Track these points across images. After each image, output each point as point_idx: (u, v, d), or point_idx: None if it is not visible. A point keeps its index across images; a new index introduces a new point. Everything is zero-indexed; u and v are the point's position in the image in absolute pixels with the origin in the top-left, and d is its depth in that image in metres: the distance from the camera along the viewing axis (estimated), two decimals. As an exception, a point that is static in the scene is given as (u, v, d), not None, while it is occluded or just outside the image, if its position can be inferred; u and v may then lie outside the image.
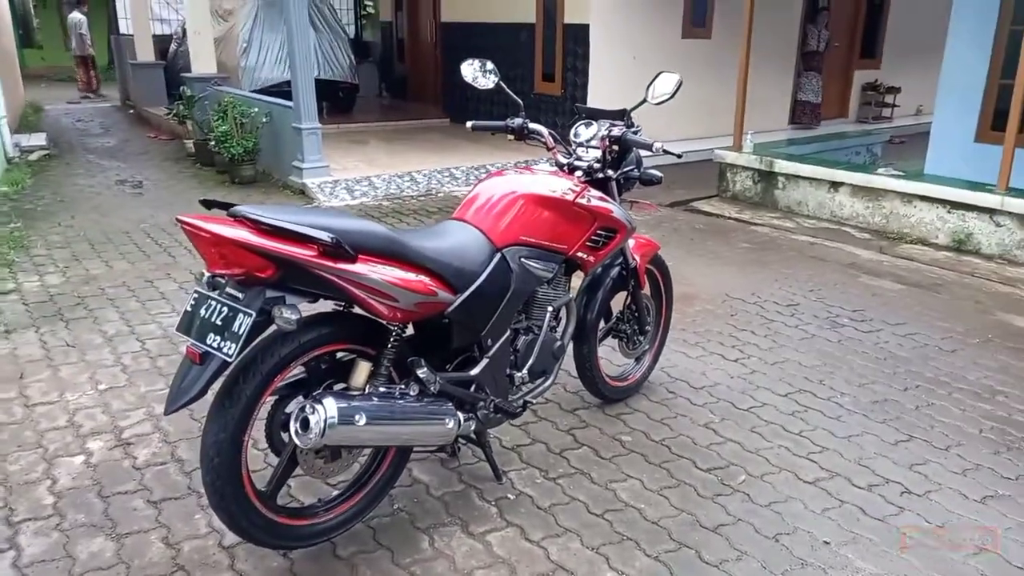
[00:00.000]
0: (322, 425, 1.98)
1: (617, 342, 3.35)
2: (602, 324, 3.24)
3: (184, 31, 11.03)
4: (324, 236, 1.93)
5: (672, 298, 3.56)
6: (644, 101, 2.95)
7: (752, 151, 7.41)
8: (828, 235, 6.34)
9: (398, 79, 13.53)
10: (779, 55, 11.01)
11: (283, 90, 8.83)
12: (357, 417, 2.05)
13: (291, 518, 2.25)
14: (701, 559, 2.41)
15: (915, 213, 6.20)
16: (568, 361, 3.16)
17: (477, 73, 2.95)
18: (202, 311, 1.98)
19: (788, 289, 4.98)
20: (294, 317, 1.91)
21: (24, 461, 2.85)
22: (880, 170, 6.67)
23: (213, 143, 7.87)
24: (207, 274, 2.00)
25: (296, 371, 2.16)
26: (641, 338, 3.37)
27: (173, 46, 12.92)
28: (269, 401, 2.14)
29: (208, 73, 9.69)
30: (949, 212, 5.98)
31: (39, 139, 9.76)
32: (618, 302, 3.31)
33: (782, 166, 7.10)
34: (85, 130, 11.83)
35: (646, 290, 3.42)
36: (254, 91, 9.69)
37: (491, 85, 2.95)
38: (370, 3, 16.31)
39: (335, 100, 11.47)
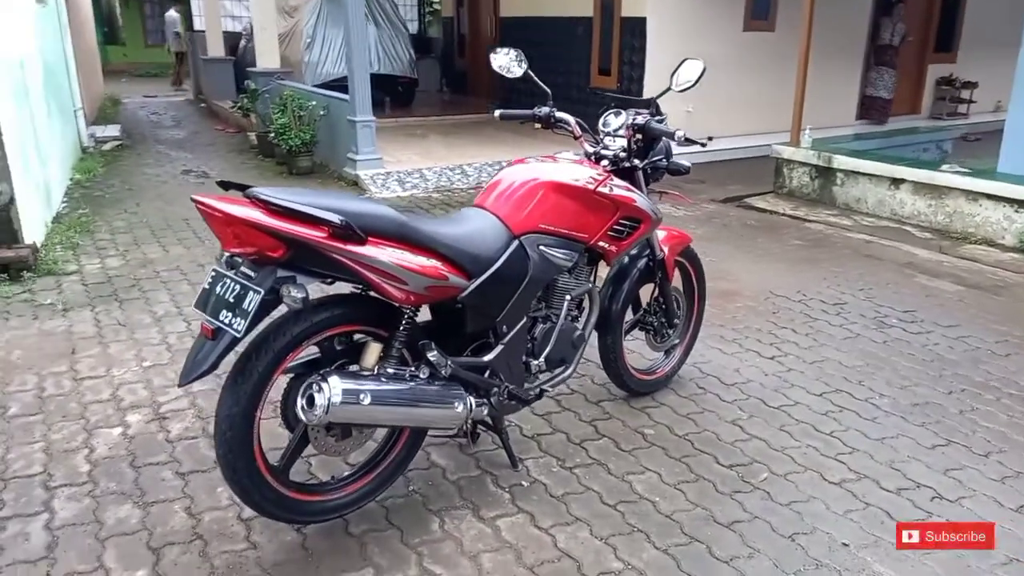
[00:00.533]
0: (326, 402, 2.03)
1: (644, 335, 3.32)
2: (630, 316, 3.22)
3: (253, 28, 11.37)
4: (334, 218, 1.98)
5: (705, 292, 3.50)
6: (668, 89, 2.90)
7: (810, 146, 7.20)
8: (886, 234, 6.12)
9: (458, 74, 13.65)
10: (846, 48, 10.67)
11: (344, 84, 8.99)
12: (362, 396, 2.09)
13: (303, 493, 2.31)
14: (711, 554, 2.37)
15: (980, 212, 5.93)
16: (594, 352, 3.16)
17: (507, 62, 2.96)
18: (217, 288, 2.05)
19: (836, 288, 4.83)
20: (300, 295, 1.96)
21: (67, 430, 3.00)
22: (944, 167, 6.40)
23: (272, 135, 8.09)
24: (226, 254, 2.07)
25: (311, 351, 2.22)
26: (670, 331, 3.32)
27: (243, 42, 13.34)
28: (285, 379, 2.20)
29: (272, 68, 9.97)
30: (1017, 211, 5.69)
31: (114, 130, 10.21)
32: (647, 294, 3.28)
33: (841, 162, 6.88)
34: (158, 122, 12.33)
35: (677, 283, 3.38)
36: (317, 85, 9.92)
37: (520, 73, 2.96)
38: (435, 1, 16.51)
39: (394, 94, 11.66)
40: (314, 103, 8.02)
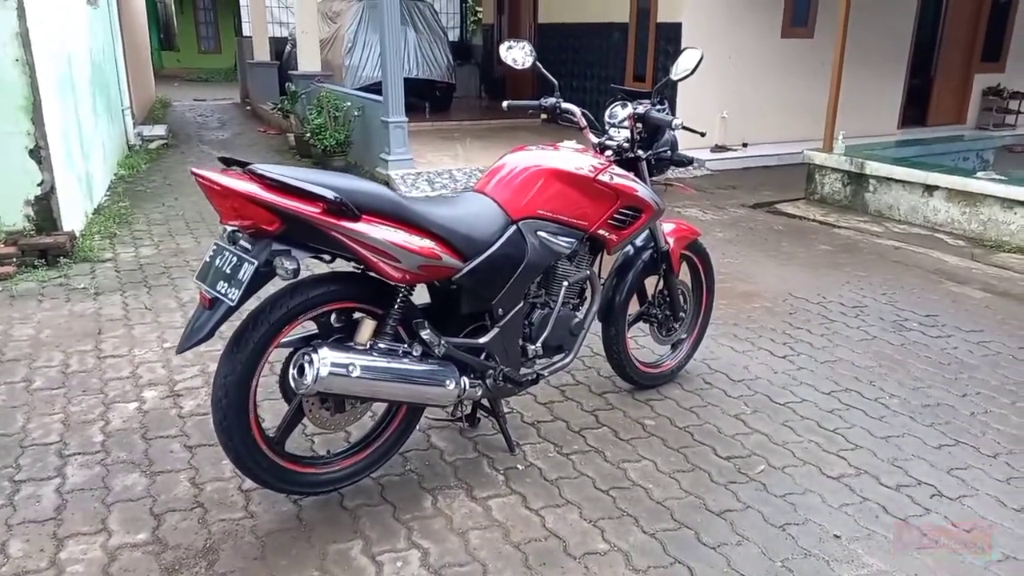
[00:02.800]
0: (315, 372, 2.10)
1: (648, 327, 3.33)
2: (635, 308, 3.24)
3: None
4: (328, 194, 2.05)
5: (713, 287, 3.49)
6: (668, 79, 2.91)
7: (843, 152, 7.10)
8: (917, 240, 6.00)
9: (497, 80, 13.76)
10: (889, 55, 10.50)
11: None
12: (351, 368, 2.15)
13: (297, 465, 2.38)
14: (699, 540, 2.37)
15: (1016, 220, 5.78)
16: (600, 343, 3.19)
17: (517, 54, 3.00)
18: (217, 261, 2.14)
19: (858, 292, 4.76)
20: (291, 267, 2.03)
21: (85, 404, 3.12)
22: (979, 174, 6.25)
23: (309, 135, 8.28)
24: (227, 229, 2.16)
25: (308, 326, 2.30)
26: (675, 325, 3.33)
27: (288, 47, 13.65)
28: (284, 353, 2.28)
29: (313, 71, 10.20)
30: (1054, 220, 5.54)
31: (160, 130, 10.54)
32: (653, 287, 3.29)
33: (873, 168, 6.78)
34: (204, 124, 12.69)
35: (686, 278, 3.39)
36: (357, 88, 10.11)
37: (528, 65, 3.00)
38: (479, 8, 16.69)
39: (432, 99, 11.81)
40: (349, 104, 8.19)
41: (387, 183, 7.60)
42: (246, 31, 16.88)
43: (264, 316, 2.16)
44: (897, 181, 6.61)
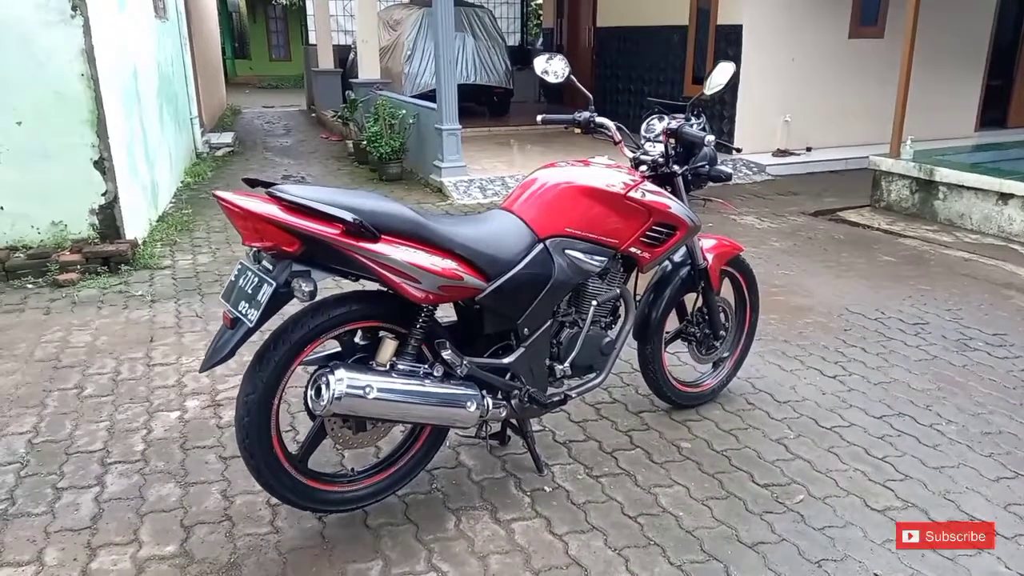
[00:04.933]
0: (331, 393, 2.10)
1: (687, 346, 3.23)
2: (673, 326, 3.15)
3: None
4: (347, 216, 2.05)
5: (757, 304, 3.37)
6: (702, 94, 2.81)
7: (911, 157, 6.80)
8: (989, 252, 5.69)
9: (556, 85, 13.70)
10: (965, 55, 10.02)
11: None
12: (367, 390, 2.14)
13: (320, 483, 2.39)
14: (728, 574, 2.28)
15: (1100, 231, 5.42)
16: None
17: (550, 66, 2.96)
18: (240, 281, 2.16)
19: (921, 307, 4.53)
20: (308, 288, 2.04)
21: (131, 412, 3.22)
22: (1060, 181, 5.89)
23: (365, 142, 8.40)
24: (252, 250, 2.18)
25: (332, 344, 2.31)
26: (716, 343, 3.22)
27: (351, 55, 13.90)
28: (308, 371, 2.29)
29: (372, 79, 10.35)
30: None
31: (227, 138, 10.87)
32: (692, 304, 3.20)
33: (943, 174, 6.46)
34: (270, 131, 13.04)
35: (729, 295, 3.28)
36: (416, 95, 10.21)
37: (563, 78, 2.95)
38: (540, 13, 16.68)
39: (490, 104, 11.85)
40: (404, 112, 8.27)
41: (440, 190, 7.64)
42: (312, 39, 17.28)
43: (286, 335, 2.18)
44: (969, 188, 6.29)
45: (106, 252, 5.08)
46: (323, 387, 2.13)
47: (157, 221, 6.32)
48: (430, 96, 9.75)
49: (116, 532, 2.45)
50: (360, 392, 2.13)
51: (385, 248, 2.12)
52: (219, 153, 10.12)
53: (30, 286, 4.80)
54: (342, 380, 2.12)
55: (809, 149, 9.28)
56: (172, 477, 2.76)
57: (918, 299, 4.67)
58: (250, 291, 2.10)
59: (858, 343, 4.00)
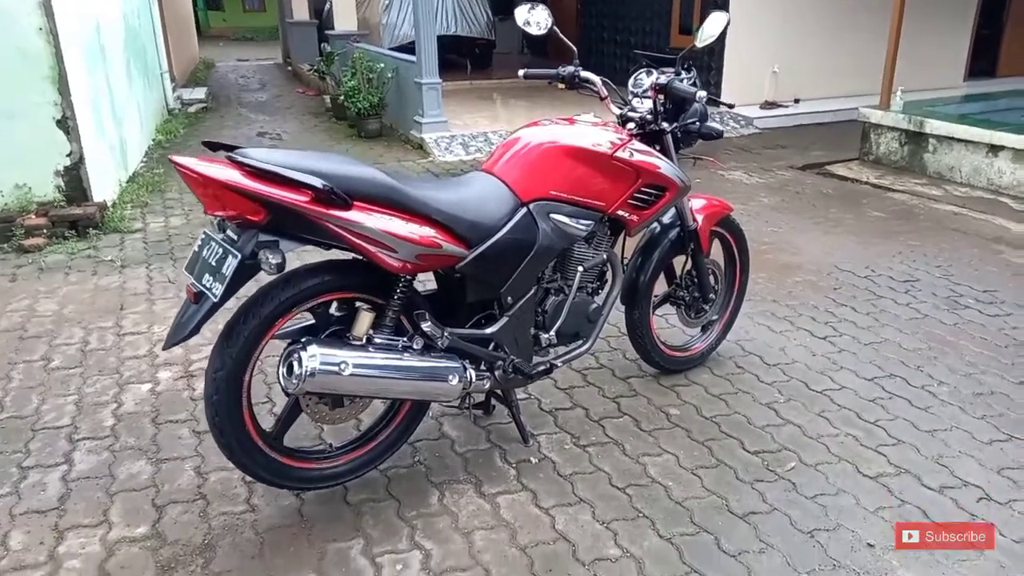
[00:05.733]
0: (303, 371, 1.98)
1: (676, 309, 3.14)
2: (661, 289, 3.05)
3: (332, -11, 11.45)
4: (316, 182, 1.91)
5: (747, 265, 3.27)
6: (693, 46, 2.67)
7: (901, 109, 6.67)
8: (979, 205, 5.62)
9: (540, 36, 13.36)
10: (954, 3, 9.82)
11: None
12: (342, 366, 2.03)
13: (297, 460, 2.29)
14: (719, 546, 2.22)
15: (1090, 183, 5.35)
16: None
17: (533, 17, 2.79)
18: (204, 252, 2.03)
19: (911, 263, 4.46)
20: (275, 261, 1.91)
21: (100, 384, 3.10)
22: (1051, 132, 5.80)
23: (342, 98, 8.14)
24: (216, 218, 2.04)
25: (305, 316, 2.19)
26: (705, 306, 3.13)
27: (327, 5, 13.47)
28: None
29: (348, 30, 10.05)
30: None
31: (200, 93, 10.54)
32: (680, 266, 3.09)
33: (933, 126, 6.35)
34: (244, 85, 12.68)
35: (718, 256, 3.18)
36: (393, 48, 9.91)
37: (546, 29, 2.79)
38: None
39: (471, 56, 11.54)
40: (383, 65, 8.01)
41: (420, 146, 7.45)
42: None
43: (255, 309, 2.05)
44: (959, 140, 6.19)
45: (73, 215, 4.89)
46: (295, 364, 2.02)
47: (127, 182, 6.11)
48: (409, 48, 9.46)
49: (85, 513, 2.35)
50: (335, 369, 2.02)
51: (358, 216, 1.99)
52: (192, 109, 9.82)
53: (-6, 252, 4.62)
54: (315, 356, 2.01)
55: (797, 101, 9.12)
56: (143, 453, 2.65)
57: (908, 255, 4.60)
58: (214, 263, 1.97)
59: (848, 302, 3.93)
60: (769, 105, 8.90)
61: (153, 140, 7.81)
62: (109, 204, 5.29)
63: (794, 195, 5.96)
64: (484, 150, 7.33)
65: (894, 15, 6.64)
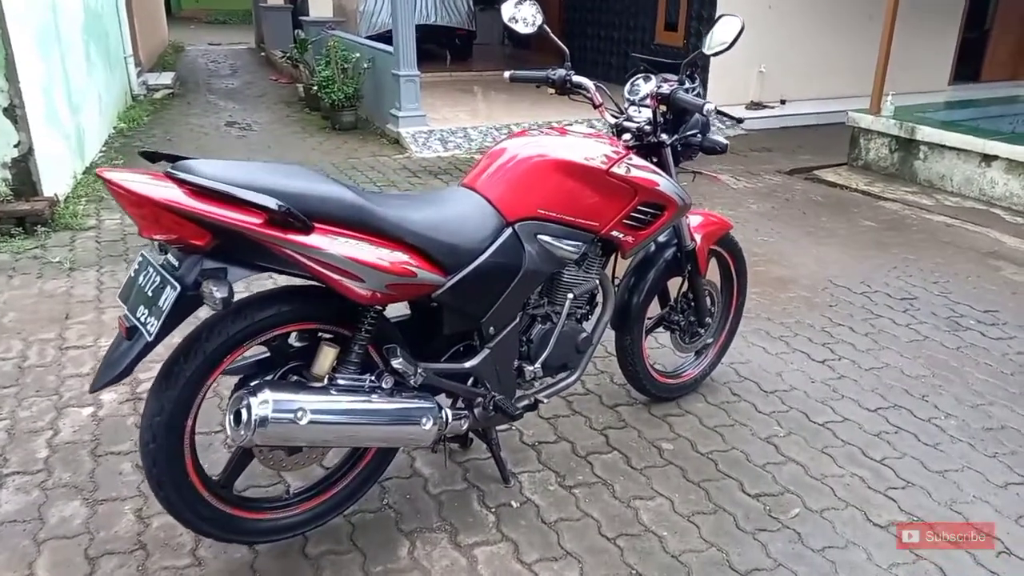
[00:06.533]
0: (252, 423, 1.72)
1: (669, 334, 2.91)
2: (654, 312, 2.82)
3: (308, -26, 11.05)
4: (270, 202, 1.64)
5: (745, 286, 3.05)
6: (700, 52, 2.43)
7: (891, 115, 6.50)
8: (971, 216, 5.46)
9: (526, 35, 13.05)
10: (940, 5, 9.69)
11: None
12: (299, 414, 1.77)
13: (248, 511, 2.03)
14: (720, 611, 2.00)
15: (1085, 196, 5.22)
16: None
17: (521, 12, 2.52)
18: (140, 278, 1.76)
19: (907, 279, 4.28)
20: (219, 295, 1.63)
21: (36, 407, 2.80)
22: (1046, 143, 5.66)
23: (316, 88, 7.81)
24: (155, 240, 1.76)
25: (259, 350, 1.92)
26: (701, 330, 2.91)
27: (303, -10, 13.07)
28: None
29: (324, 17, 9.68)
30: None
31: (166, 79, 10.11)
32: (675, 287, 2.86)
33: (924, 133, 6.18)
34: (214, 71, 12.23)
35: (715, 276, 2.96)
36: (370, 36, 9.56)
37: (535, 26, 2.53)
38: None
39: (452, 47, 11.23)
40: (358, 55, 7.68)
41: (397, 141, 7.15)
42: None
43: (198, 345, 1.78)
44: (951, 148, 6.03)
45: (20, 211, 4.55)
46: (243, 412, 1.75)
47: (83, 174, 5.74)
48: (387, 37, 9.11)
49: (7, 566, 2.07)
50: (289, 418, 1.76)
51: (319, 240, 1.73)
52: (157, 95, 9.40)
53: (-67, 250, 4.28)
54: (266, 404, 1.74)
55: (783, 102, 8.95)
56: (79, 492, 2.37)
57: (903, 270, 4.42)
58: (151, 294, 1.70)
59: (845, 321, 3.73)
60: (755, 106, 8.72)
61: (114, 128, 7.42)
62: (61, 199, 4.95)
63: (784, 202, 5.76)
64: (463, 146, 7.05)
65: (886, 18, 6.46)
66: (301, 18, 10.28)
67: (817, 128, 8.39)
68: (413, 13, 7.29)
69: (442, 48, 11.22)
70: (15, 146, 4.59)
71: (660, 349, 3.23)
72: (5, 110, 4.50)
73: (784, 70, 8.85)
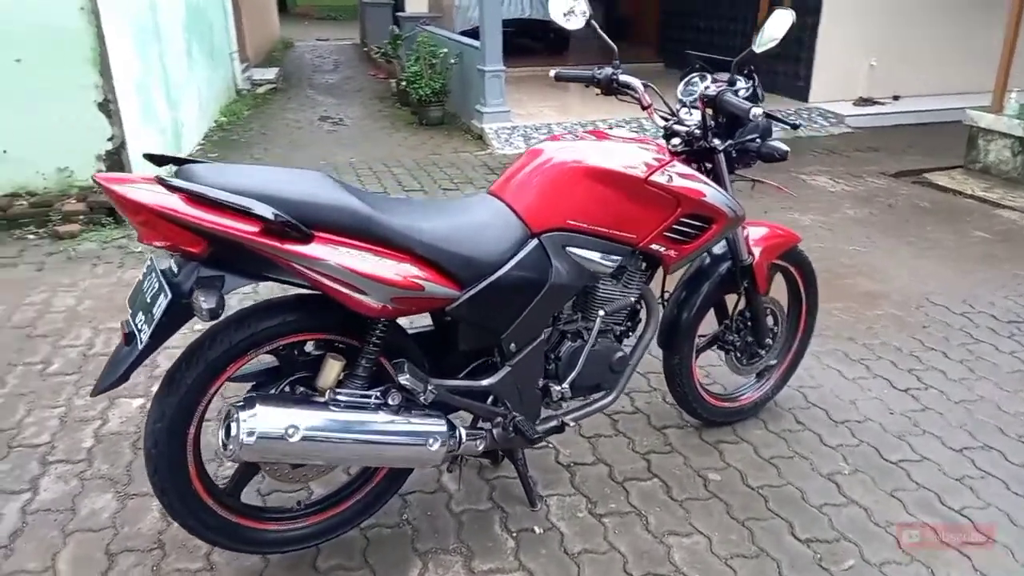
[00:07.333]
0: (239, 436, 1.66)
1: (724, 355, 2.68)
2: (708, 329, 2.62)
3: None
4: (266, 211, 1.58)
5: (815, 304, 2.79)
6: (750, 51, 2.19)
7: (1016, 113, 5.90)
8: (1104, 230, 4.87)
9: (621, 20, 12.78)
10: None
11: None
12: (290, 431, 1.70)
13: (256, 521, 1.99)
14: (747, 672, 1.80)
15: None
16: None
17: (568, 6, 2.38)
18: (144, 284, 1.75)
19: (1017, 299, 3.84)
20: (208, 306, 1.58)
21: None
22: None
23: (404, 83, 7.86)
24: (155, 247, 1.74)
25: (267, 359, 1.88)
26: (760, 352, 2.67)
27: (404, -15, 13.25)
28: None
29: (419, 12, 9.75)
30: None
31: (270, 74, 10.47)
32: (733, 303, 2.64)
33: (1054, 135, 5.57)
34: (318, 66, 12.58)
35: (781, 292, 2.71)
36: (464, 31, 9.55)
37: (581, 25, 2.38)
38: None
39: (547, 41, 11.09)
40: (446, 50, 7.67)
41: (480, 137, 7.09)
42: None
43: (200, 353, 1.75)
44: (1085, 152, 5.40)
45: (111, 202, 4.75)
46: (232, 426, 1.69)
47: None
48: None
49: (33, 555, 2.12)
50: (279, 434, 1.69)
51: (319, 250, 1.65)
52: (260, 90, 9.74)
53: (31, 236, 4.54)
54: (255, 418, 1.68)
55: (897, 98, 8.32)
56: (113, 485, 2.41)
57: (1015, 289, 3.97)
58: (148, 300, 1.68)
59: (938, 345, 3.37)
60: (864, 102, 8.14)
61: (215, 122, 7.72)
62: (151, 190, 5.15)
63: (884, 207, 5.32)
64: (546, 143, 6.90)
65: (1014, 3, 5.85)
66: (398, 14, 10.40)
67: (933, 127, 7.74)
68: (500, 8, 7.20)
69: (536, 42, 11.10)
70: (109, 139, 4.80)
71: (719, 367, 3.00)
72: (100, 105, 4.71)
73: (898, 63, 8.22)
